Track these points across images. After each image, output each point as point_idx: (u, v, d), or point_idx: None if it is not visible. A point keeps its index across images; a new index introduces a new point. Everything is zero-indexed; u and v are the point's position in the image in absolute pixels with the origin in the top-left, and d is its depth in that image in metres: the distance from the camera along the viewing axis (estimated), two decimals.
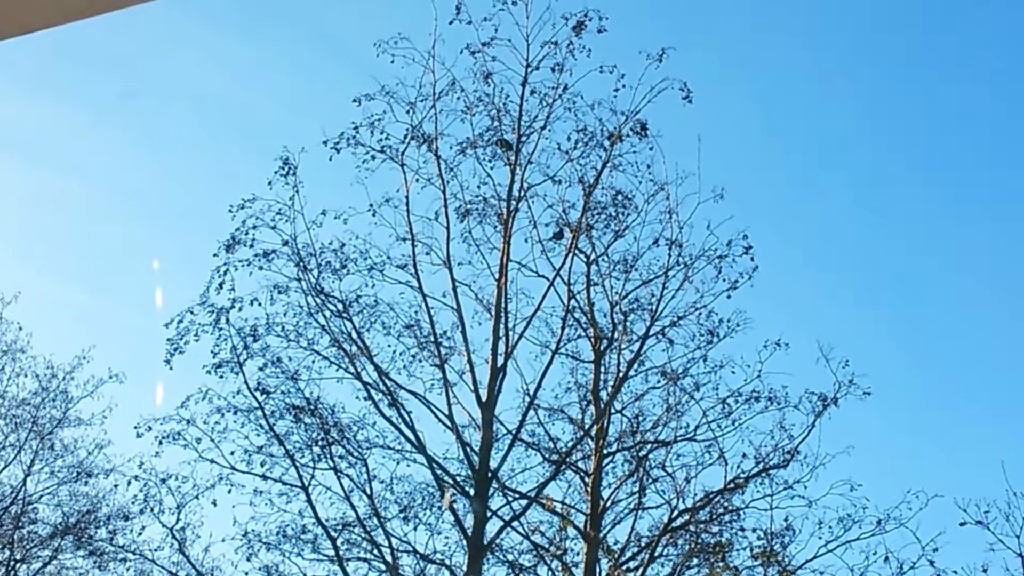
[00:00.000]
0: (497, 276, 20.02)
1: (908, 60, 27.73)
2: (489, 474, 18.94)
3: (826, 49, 26.43)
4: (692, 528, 20.46)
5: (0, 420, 26.95)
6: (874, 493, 20.14)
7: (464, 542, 18.91)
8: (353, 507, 19.60)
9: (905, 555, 19.40)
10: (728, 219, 20.59)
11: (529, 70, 20.28)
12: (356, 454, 19.93)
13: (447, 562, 20.23)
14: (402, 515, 20.32)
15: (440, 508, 20.08)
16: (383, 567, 19.66)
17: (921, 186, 28.87)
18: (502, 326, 19.66)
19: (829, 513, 19.94)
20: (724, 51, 26.73)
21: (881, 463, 25.81)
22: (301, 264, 19.83)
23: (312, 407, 19.87)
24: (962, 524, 18.89)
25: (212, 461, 19.83)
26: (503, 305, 19.78)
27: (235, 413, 19.84)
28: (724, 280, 20.37)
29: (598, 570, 19.71)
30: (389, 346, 20.32)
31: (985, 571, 18.95)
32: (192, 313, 19.69)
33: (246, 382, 19.71)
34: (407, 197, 20.23)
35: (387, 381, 19.66)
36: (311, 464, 19.81)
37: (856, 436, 23.37)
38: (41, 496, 27.06)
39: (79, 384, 27.32)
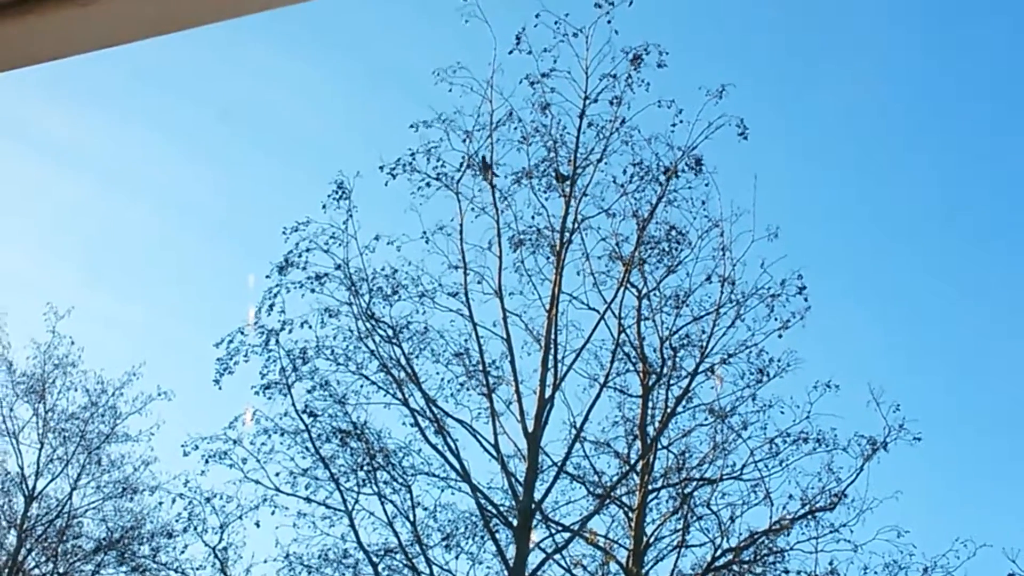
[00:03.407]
0: (548, 307, 20.02)
1: (965, 107, 27.49)
2: (533, 505, 18.87)
3: (880, 90, 26.29)
4: (735, 568, 20.27)
5: (49, 433, 27.20)
6: (921, 540, 19.84)
7: (506, 573, 18.82)
8: (396, 533, 19.60)
9: None
10: (782, 258, 20.52)
11: (587, 102, 20.37)
12: (401, 480, 19.94)
13: None
14: (444, 543, 20.26)
15: (483, 538, 20.00)
16: None
17: (975, 234, 28.57)
18: (551, 357, 19.64)
19: (875, 559, 19.74)
20: (780, 90, 26.65)
21: (930, 510, 25.47)
22: (353, 288, 19.94)
23: (359, 431, 19.90)
24: (1010, 575, 18.64)
25: (257, 482, 19.98)
26: (553, 336, 19.76)
27: (282, 435, 19.96)
28: (776, 319, 20.29)
29: None
30: (437, 373, 20.39)
31: None
32: (243, 334, 19.87)
33: (294, 404, 19.84)
34: (461, 225, 20.37)
35: (434, 408, 19.69)
36: (355, 488, 19.86)
37: (905, 482, 23.10)
38: (86, 510, 27.23)
39: (128, 400, 27.51)
